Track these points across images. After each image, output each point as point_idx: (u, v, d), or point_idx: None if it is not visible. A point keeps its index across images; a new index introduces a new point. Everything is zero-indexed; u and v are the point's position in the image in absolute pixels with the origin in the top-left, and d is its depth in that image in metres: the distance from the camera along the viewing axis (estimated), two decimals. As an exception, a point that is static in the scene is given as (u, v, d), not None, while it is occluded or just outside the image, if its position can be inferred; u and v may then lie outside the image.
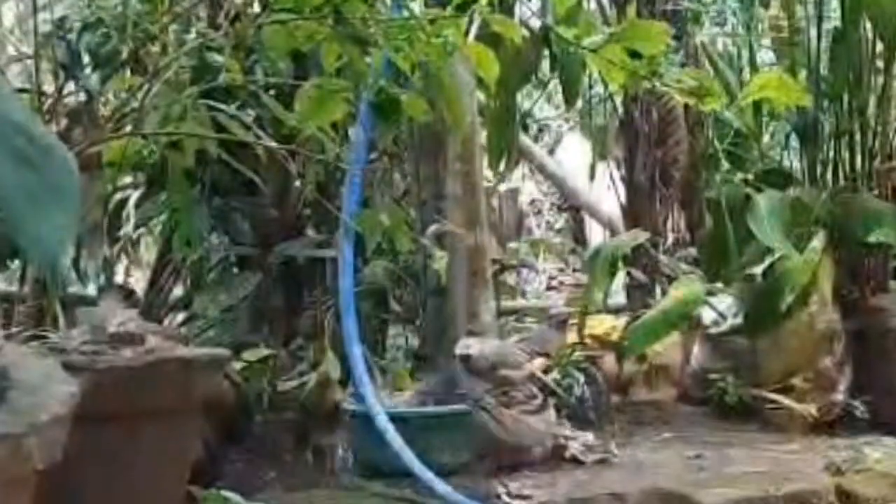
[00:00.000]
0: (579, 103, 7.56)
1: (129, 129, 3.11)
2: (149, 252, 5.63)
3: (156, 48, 3.21)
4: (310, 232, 4.54)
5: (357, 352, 3.81)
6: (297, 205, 4.54)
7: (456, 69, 3.24)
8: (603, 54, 3.10)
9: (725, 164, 5.64)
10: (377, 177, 4.53)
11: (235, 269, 4.59)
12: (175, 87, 3.13)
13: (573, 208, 10.94)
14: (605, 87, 6.42)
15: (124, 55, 3.03)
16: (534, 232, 11.00)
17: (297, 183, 4.42)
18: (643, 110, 5.97)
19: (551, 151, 10.35)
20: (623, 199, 6.20)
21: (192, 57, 3.10)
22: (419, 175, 4.34)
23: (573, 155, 9.81)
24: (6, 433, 1.70)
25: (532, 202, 11.67)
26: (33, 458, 1.74)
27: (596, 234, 9.95)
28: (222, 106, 3.20)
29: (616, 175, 6.39)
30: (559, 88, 9.06)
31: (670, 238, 6.10)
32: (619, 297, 6.04)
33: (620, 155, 6.32)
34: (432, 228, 4.02)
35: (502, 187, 8.31)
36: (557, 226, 11.67)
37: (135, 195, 4.84)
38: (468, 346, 3.96)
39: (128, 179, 4.81)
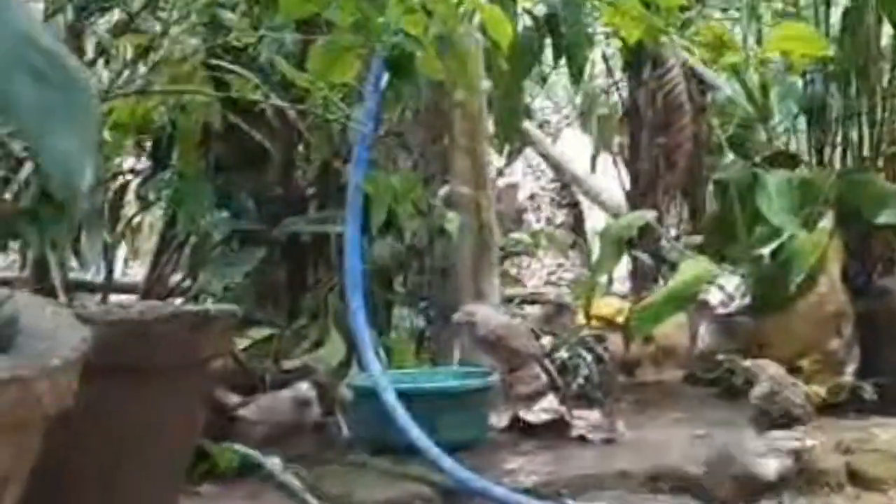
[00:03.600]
0: (578, 99, 7.54)
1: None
2: (149, 241, 5.61)
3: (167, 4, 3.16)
4: (314, 211, 4.51)
5: (364, 328, 3.77)
6: (302, 183, 4.51)
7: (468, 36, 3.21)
8: (619, 5, 3.06)
9: (730, 154, 5.61)
10: (382, 155, 4.50)
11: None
12: (184, 45, 3.09)
13: (572, 204, 10.94)
14: (610, 74, 6.43)
15: (136, 7, 2.98)
16: (533, 227, 10.99)
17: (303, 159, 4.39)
18: (648, 97, 5.96)
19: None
20: (626, 185, 6.18)
21: (203, 14, 3.06)
22: (425, 152, 4.32)
23: (573, 148, 9.81)
24: (15, 376, 1.67)
25: (531, 197, 11.66)
26: (43, 403, 1.71)
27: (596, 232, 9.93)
28: (232, 66, 3.16)
29: (619, 162, 6.36)
30: (559, 84, 9.06)
31: (673, 225, 6.08)
32: (622, 286, 6.02)
33: (623, 142, 6.30)
34: (443, 190, 3.99)
35: (501, 182, 8.30)
36: (557, 221, 11.66)
37: (134, 183, 4.82)
38: (472, 312, 3.92)
39: (129, 163, 4.79)
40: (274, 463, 2.95)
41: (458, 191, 4.17)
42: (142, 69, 3.02)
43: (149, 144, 4.49)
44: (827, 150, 4.89)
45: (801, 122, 5.09)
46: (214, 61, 3.15)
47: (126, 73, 2.93)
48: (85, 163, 1.28)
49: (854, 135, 4.85)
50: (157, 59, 2.94)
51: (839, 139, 4.88)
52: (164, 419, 2.43)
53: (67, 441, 1.94)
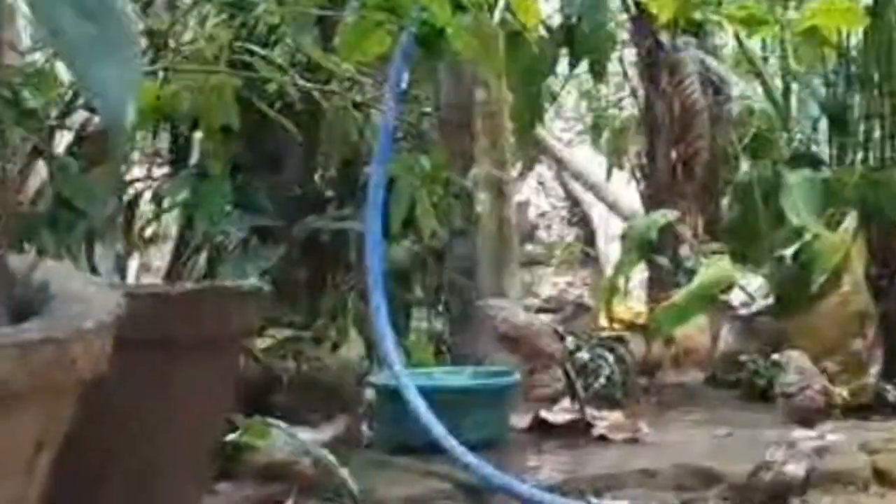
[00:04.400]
0: (590, 118, 7.53)
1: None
2: (164, 248, 5.59)
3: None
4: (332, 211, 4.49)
5: (385, 326, 3.73)
6: (321, 183, 4.49)
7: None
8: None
9: (745, 164, 5.59)
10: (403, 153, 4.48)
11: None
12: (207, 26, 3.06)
13: (583, 221, 10.94)
14: (627, 80, 6.43)
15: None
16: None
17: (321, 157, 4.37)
18: (665, 105, 5.94)
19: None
20: (643, 193, 6.17)
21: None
22: (446, 149, 4.30)
23: (585, 164, 9.80)
24: (49, 337, 1.63)
25: (542, 214, 11.66)
26: (78, 366, 1.67)
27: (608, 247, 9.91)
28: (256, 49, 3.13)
29: (636, 171, 6.35)
30: (569, 101, 9.04)
31: (689, 233, 6.05)
32: (640, 292, 5.99)
33: (639, 150, 6.29)
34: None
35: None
36: (568, 239, 11.66)
37: (147, 194, 4.80)
38: (495, 307, 3.89)
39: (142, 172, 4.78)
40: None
41: (479, 186, 4.16)
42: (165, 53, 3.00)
43: (166, 148, 4.49)
44: (849, 151, 4.86)
45: (822, 123, 5.07)
46: (239, 44, 3.12)
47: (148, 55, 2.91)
48: (128, 95, 1.27)
49: (876, 135, 4.82)
50: (179, 41, 2.91)
51: (861, 140, 4.85)
52: (189, 396, 2.39)
53: (102, 414, 1.91)
